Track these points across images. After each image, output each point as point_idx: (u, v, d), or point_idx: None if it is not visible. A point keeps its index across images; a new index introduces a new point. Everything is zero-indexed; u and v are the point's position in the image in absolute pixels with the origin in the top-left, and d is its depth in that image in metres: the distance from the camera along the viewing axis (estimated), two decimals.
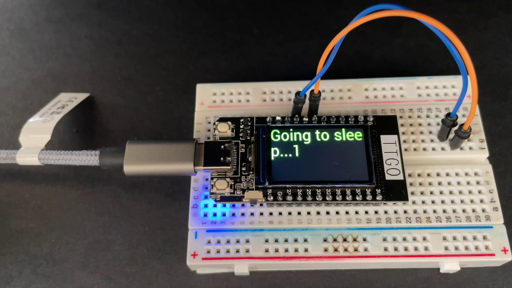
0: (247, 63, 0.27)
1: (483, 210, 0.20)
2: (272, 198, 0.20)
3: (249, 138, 0.21)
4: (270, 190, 0.20)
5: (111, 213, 0.23)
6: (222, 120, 0.22)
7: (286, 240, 0.20)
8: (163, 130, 0.25)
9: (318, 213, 0.21)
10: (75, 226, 0.23)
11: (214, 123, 0.22)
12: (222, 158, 0.20)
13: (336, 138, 0.21)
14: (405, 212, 0.21)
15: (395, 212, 0.21)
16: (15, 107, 0.27)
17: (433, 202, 0.21)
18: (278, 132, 0.21)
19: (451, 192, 0.21)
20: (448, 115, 0.20)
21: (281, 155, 0.20)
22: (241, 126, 0.22)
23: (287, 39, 0.27)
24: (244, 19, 0.28)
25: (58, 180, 0.24)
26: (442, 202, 0.21)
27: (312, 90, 0.21)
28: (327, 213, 0.21)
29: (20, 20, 0.30)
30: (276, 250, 0.20)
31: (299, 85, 0.24)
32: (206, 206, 0.21)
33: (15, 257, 0.23)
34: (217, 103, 0.24)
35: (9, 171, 0.25)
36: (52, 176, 0.24)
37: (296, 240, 0.20)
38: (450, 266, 0.20)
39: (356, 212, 0.21)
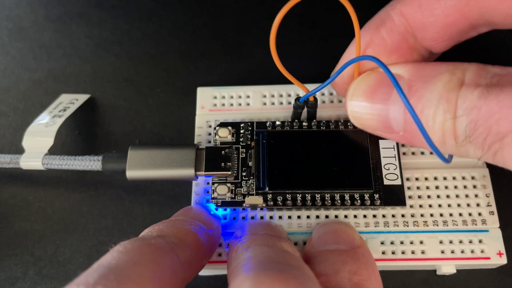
0: (248, 64, 0.27)
1: (480, 214, 0.21)
2: (272, 203, 0.20)
3: (249, 143, 0.22)
4: (270, 195, 0.20)
5: (114, 216, 0.24)
6: (223, 125, 0.22)
7: None
8: (165, 132, 0.25)
9: (317, 217, 0.21)
10: (78, 228, 0.23)
11: (214, 128, 0.22)
12: (223, 164, 0.21)
13: (335, 144, 0.21)
14: (402, 216, 0.21)
15: (393, 216, 0.21)
16: (16, 108, 0.27)
17: (430, 206, 0.21)
18: (278, 137, 0.21)
19: (448, 196, 0.21)
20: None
21: (281, 160, 0.21)
22: (242, 131, 0.22)
23: (287, 40, 0.27)
24: (244, 19, 0.28)
25: (62, 183, 0.24)
26: (439, 206, 0.21)
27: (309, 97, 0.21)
28: (326, 217, 0.21)
29: (19, 18, 0.30)
30: None
31: (299, 88, 0.24)
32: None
33: (19, 258, 0.23)
34: (218, 106, 0.24)
35: (13, 173, 0.25)
36: (55, 178, 0.25)
37: (296, 244, 0.21)
38: (446, 269, 0.20)
39: (355, 216, 0.21)
